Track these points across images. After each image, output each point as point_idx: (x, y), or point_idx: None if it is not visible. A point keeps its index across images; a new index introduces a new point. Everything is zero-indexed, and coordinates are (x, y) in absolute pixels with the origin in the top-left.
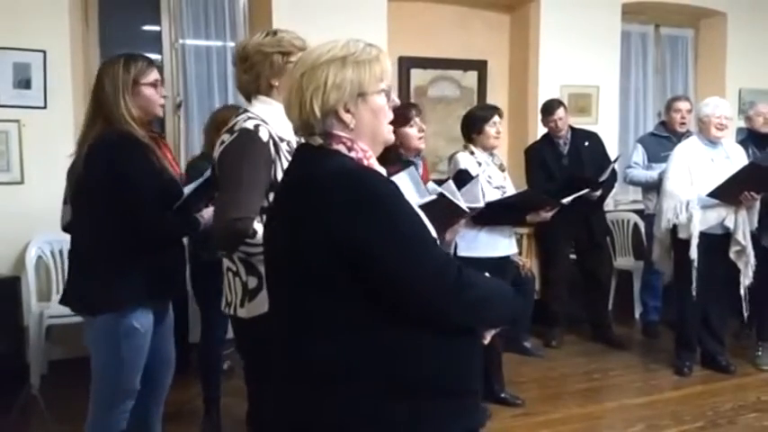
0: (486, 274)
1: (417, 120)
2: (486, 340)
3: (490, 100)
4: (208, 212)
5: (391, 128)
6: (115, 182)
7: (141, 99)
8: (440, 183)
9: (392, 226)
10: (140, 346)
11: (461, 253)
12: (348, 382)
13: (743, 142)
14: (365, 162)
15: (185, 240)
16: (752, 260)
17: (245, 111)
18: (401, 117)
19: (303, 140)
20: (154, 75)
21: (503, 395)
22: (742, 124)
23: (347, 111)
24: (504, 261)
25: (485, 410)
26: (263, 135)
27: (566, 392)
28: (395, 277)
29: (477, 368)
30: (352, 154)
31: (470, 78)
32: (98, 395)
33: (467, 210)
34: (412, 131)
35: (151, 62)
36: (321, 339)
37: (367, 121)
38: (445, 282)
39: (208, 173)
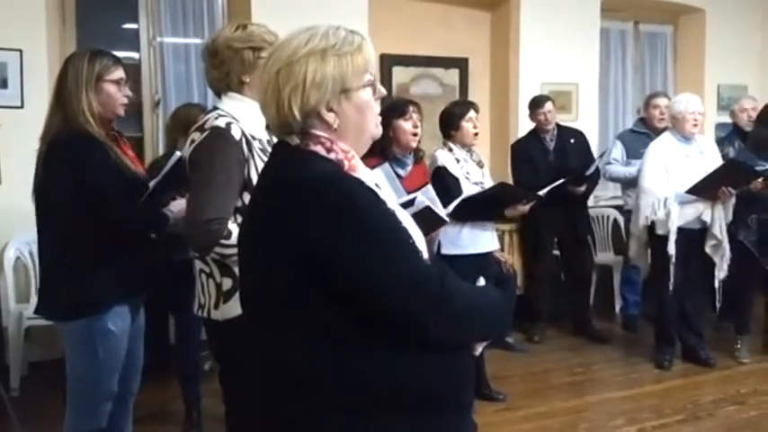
0: (482, 281)
1: (414, 115)
2: (477, 352)
3: (472, 97)
4: (176, 205)
5: (379, 120)
6: (76, 184)
7: (103, 95)
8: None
9: (367, 236)
10: (117, 347)
11: (444, 251)
12: (321, 393)
13: (728, 137)
14: (346, 163)
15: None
16: (727, 254)
17: (216, 108)
18: (397, 109)
19: (276, 139)
20: (119, 73)
21: (485, 390)
22: (719, 120)
23: (330, 109)
24: (487, 257)
25: (474, 424)
26: (236, 133)
27: (548, 387)
28: (370, 289)
29: (466, 381)
30: (332, 155)
31: (452, 76)
32: (76, 400)
33: (447, 219)
34: (406, 125)
35: (118, 60)
36: (293, 348)
37: (352, 118)
38: (425, 294)
39: (170, 164)
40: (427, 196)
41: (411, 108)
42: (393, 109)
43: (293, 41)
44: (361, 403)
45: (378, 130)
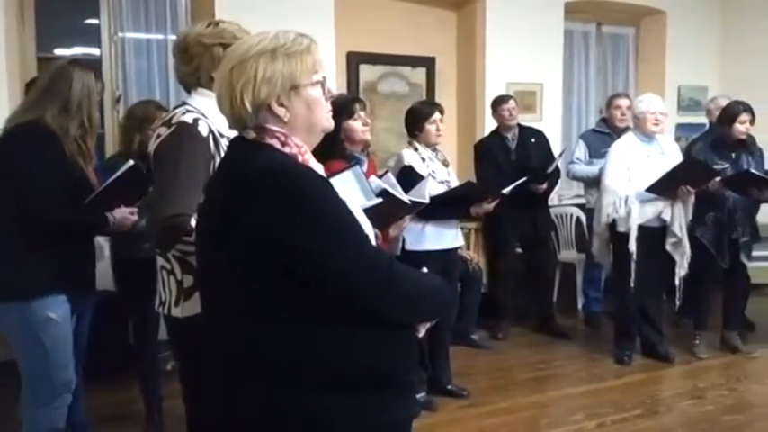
0: (425, 269)
1: (361, 113)
2: (421, 333)
3: (439, 96)
4: (120, 212)
5: (330, 115)
6: (15, 173)
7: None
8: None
9: (319, 221)
10: (62, 335)
11: (409, 247)
12: (277, 375)
13: (703, 137)
14: (299, 158)
15: (101, 239)
16: (687, 251)
17: (184, 103)
18: (345, 110)
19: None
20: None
21: (449, 387)
22: (679, 120)
23: (280, 104)
24: (451, 253)
25: (417, 401)
26: (203, 129)
27: (512, 383)
28: (323, 273)
29: (409, 359)
30: (286, 149)
31: (419, 75)
32: (33, 393)
33: (408, 202)
34: (356, 125)
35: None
36: (250, 334)
37: (302, 113)
38: (375, 276)
39: (121, 170)
40: (388, 183)
41: (358, 106)
42: (340, 111)
43: (246, 42)
44: (308, 382)
45: (329, 124)
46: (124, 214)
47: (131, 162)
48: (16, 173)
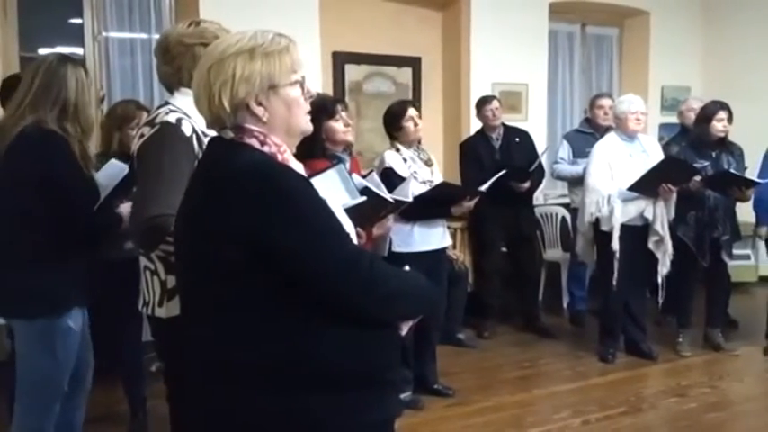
0: (407, 268)
1: (343, 114)
2: (404, 332)
3: (424, 96)
4: (125, 208)
5: (309, 118)
6: (46, 179)
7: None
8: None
9: (300, 221)
10: (74, 346)
11: (396, 249)
12: (261, 377)
13: (675, 138)
14: (279, 157)
15: None
16: (669, 249)
17: (167, 103)
18: (325, 111)
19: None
20: None
21: (435, 386)
22: (663, 120)
23: (259, 104)
24: (439, 254)
25: (400, 400)
26: (186, 129)
27: (497, 381)
28: (306, 273)
29: (391, 359)
30: (265, 148)
31: (405, 75)
32: (29, 399)
33: (392, 201)
34: (337, 125)
35: None
36: (232, 335)
37: (280, 113)
38: (356, 275)
39: (120, 177)
40: (372, 182)
41: (339, 107)
42: (321, 111)
43: (224, 42)
44: (290, 382)
45: (308, 127)
46: (128, 209)
47: (126, 168)
48: (50, 178)
